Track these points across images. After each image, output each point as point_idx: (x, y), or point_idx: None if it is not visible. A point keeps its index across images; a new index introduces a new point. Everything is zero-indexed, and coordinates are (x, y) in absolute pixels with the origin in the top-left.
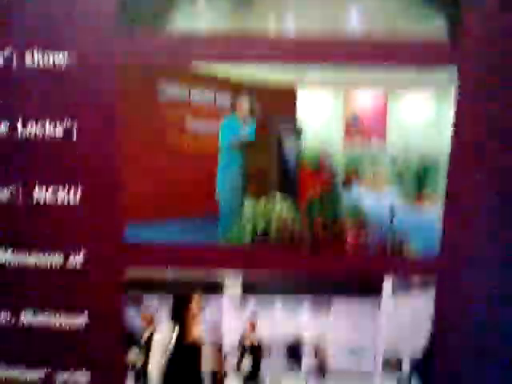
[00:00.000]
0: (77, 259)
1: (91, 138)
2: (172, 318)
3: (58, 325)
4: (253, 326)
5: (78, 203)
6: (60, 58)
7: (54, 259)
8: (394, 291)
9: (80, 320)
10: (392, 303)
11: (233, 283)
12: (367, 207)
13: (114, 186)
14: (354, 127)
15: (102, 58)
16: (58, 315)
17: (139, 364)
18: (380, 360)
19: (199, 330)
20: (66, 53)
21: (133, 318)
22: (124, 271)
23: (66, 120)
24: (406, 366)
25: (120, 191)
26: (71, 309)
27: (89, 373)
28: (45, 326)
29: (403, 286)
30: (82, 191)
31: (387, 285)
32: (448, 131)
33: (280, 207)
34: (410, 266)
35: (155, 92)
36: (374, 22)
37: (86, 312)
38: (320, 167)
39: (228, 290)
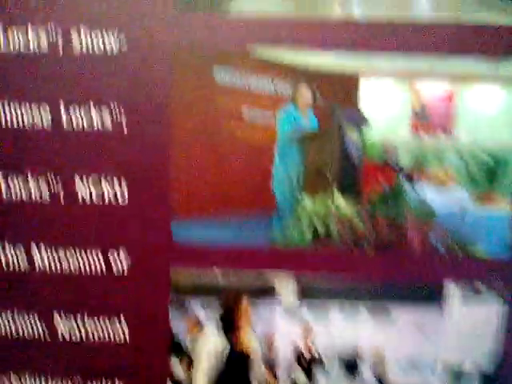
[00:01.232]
0: (119, 257)
1: (142, 129)
2: (220, 325)
3: (96, 333)
4: (307, 336)
5: (123, 197)
6: (111, 41)
7: (94, 258)
8: (460, 297)
9: (120, 325)
10: (457, 311)
11: (286, 288)
12: (433, 205)
13: (164, 180)
14: (420, 120)
15: (155, 41)
16: (95, 321)
17: (183, 374)
18: (443, 373)
19: (249, 338)
20: (117, 35)
21: (177, 323)
22: (169, 271)
23: (114, 109)
24: (469, 378)
25: (169, 185)
26: (110, 313)
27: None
28: (82, 335)
29: (470, 291)
30: (129, 185)
31: (453, 290)
32: None
33: (341, 204)
34: (478, 270)
35: (210, 79)
36: (444, 8)
37: (127, 316)
38: (384, 161)
39: (281, 296)
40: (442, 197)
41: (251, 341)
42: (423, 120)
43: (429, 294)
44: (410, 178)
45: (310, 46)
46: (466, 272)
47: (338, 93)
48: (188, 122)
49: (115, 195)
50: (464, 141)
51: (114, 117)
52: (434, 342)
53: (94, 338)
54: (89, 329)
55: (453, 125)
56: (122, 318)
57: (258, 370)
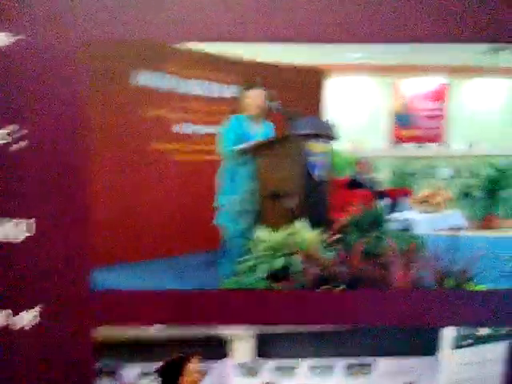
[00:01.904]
0: (27, 316)
1: (46, 148)
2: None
3: None
4: None
5: (28, 239)
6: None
7: None
8: (456, 344)
9: None
10: (455, 363)
11: (241, 343)
12: (421, 232)
13: (78, 216)
14: (403, 126)
15: (58, 36)
16: None
17: None
18: None
19: None
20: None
21: None
22: (92, 331)
23: (9, 124)
24: None
25: (87, 223)
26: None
27: None
28: None
29: (468, 336)
30: (36, 223)
31: (448, 337)
32: None
33: (305, 233)
34: (476, 310)
35: (128, 82)
36: None
37: None
38: (358, 179)
39: (235, 353)
40: (432, 222)
41: None
42: (406, 125)
43: (419, 344)
44: (391, 200)
45: (257, 38)
46: (464, 313)
47: (299, 95)
48: (104, 142)
49: (16, 238)
50: (459, 150)
51: (8, 137)
52: None
53: None
54: None
55: (445, 130)
56: None
57: None
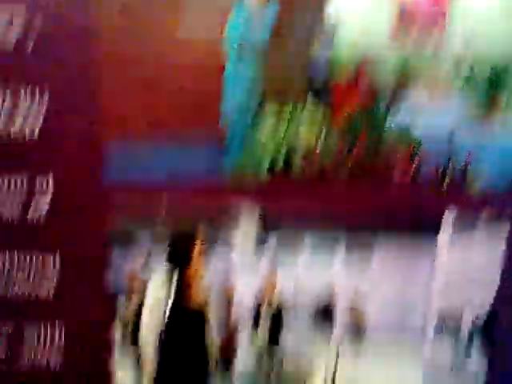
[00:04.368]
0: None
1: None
2: (168, 270)
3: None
4: (273, 281)
5: (42, 121)
6: None
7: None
8: (454, 230)
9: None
10: (451, 246)
11: (247, 216)
12: (421, 125)
13: (89, 101)
14: (405, 19)
15: None
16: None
17: (125, 338)
18: (433, 320)
19: (202, 289)
20: None
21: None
22: (106, 218)
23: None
24: (465, 328)
25: (96, 109)
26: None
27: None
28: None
29: (466, 224)
30: (49, 102)
31: (447, 221)
32: None
33: (308, 125)
34: (476, 200)
35: None
36: None
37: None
38: (359, 76)
39: (241, 230)
40: (432, 113)
41: (204, 291)
42: (408, 18)
43: (417, 228)
44: (391, 96)
45: None
46: (461, 203)
47: None
48: (114, 35)
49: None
50: (461, 41)
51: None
52: (423, 282)
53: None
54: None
55: (446, 21)
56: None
57: (213, 326)
